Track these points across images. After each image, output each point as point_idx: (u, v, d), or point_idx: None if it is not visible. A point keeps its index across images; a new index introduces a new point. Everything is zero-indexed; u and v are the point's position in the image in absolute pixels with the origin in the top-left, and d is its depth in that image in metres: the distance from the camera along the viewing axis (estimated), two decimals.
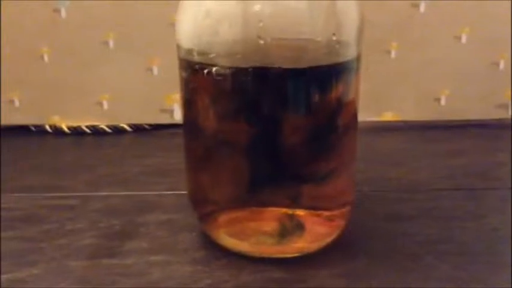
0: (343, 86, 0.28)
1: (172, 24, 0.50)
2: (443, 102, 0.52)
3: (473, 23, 0.50)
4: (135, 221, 0.35)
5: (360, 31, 0.29)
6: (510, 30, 0.50)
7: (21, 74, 0.52)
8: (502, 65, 0.51)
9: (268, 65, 0.26)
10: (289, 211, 0.31)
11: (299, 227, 0.30)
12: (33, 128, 0.53)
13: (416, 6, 0.50)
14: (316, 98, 0.27)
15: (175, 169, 0.43)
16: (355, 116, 0.31)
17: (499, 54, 0.51)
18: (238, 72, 0.27)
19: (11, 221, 0.36)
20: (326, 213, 0.31)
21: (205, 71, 0.27)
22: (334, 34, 0.27)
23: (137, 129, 0.53)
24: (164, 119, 0.53)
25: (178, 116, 0.53)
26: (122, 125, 0.53)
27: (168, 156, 0.47)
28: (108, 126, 0.53)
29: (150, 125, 0.54)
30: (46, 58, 0.51)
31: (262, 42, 0.26)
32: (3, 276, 0.30)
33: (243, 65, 0.27)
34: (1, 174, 0.42)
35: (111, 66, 0.51)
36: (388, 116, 0.53)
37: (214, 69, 0.27)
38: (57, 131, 0.53)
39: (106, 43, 0.51)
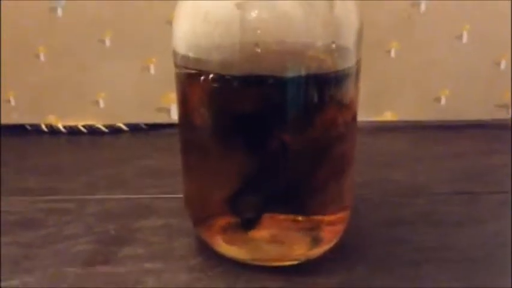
0: (342, 93, 0.28)
1: (170, 23, 0.49)
2: (443, 102, 0.52)
3: (474, 23, 0.50)
4: (131, 226, 0.35)
5: (360, 36, 0.28)
6: (511, 30, 0.49)
7: (17, 73, 0.51)
8: (503, 65, 0.51)
9: (264, 73, 0.26)
10: (288, 217, 0.30)
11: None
12: (29, 127, 0.53)
13: (417, 5, 0.49)
14: (314, 106, 0.27)
15: (171, 171, 0.42)
16: (354, 120, 0.30)
17: (500, 54, 0.51)
18: (234, 80, 0.26)
19: (7, 225, 0.35)
20: (325, 218, 0.31)
21: (202, 78, 0.27)
22: (333, 42, 0.26)
23: (134, 128, 0.53)
24: (161, 118, 0.53)
25: (175, 115, 0.52)
26: (118, 124, 0.53)
27: (165, 157, 0.46)
28: (104, 126, 0.53)
29: (147, 124, 0.53)
30: (42, 57, 0.51)
31: (259, 50, 0.25)
32: None
33: (240, 73, 0.26)
34: None
35: (107, 65, 0.51)
36: (388, 116, 0.53)
37: (210, 76, 0.27)
38: (53, 131, 0.52)
39: (102, 42, 0.50)
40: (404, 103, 0.52)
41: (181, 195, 0.34)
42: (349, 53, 0.27)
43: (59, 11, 0.49)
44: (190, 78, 0.28)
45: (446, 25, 0.50)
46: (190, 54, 0.27)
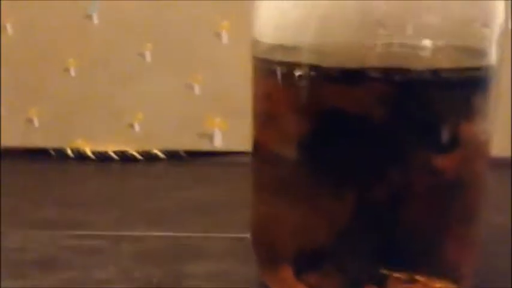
0: (482, 103, 0.21)
1: (218, 35, 0.45)
2: None
3: None
4: (177, 271, 0.28)
5: (503, 33, 0.21)
6: None
7: (43, 89, 0.47)
8: None
9: (389, 66, 0.19)
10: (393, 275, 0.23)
11: None
12: (52, 152, 0.48)
13: None
14: (452, 117, 0.20)
15: (220, 205, 0.37)
16: (488, 151, 0.23)
17: None
18: (344, 75, 0.20)
19: (23, 265, 0.28)
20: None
21: (297, 74, 0.20)
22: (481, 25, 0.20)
23: (171, 156, 0.47)
24: (203, 145, 0.47)
25: (218, 142, 0.47)
26: (154, 151, 0.47)
27: (209, 189, 0.40)
28: (138, 152, 0.47)
29: (186, 151, 0.48)
30: (72, 71, 0.46)
31: (383, 31, 0.19)
32: None
33: (354, 65, 0.19)
34: (13, 206, 0.36)
35: (146, 83, 0.46)
36: None
37: (309, 70, 0.20)
38: (81, 156, 0.47)
39: (142, 55, 0.46)
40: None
41: (238, 235, 0.28)
42: (493, 48, 0.21)
43: (95, 19, 0.45)
44: (279, 76, 0.21)
45: None
46: (281, 43, 0.21)
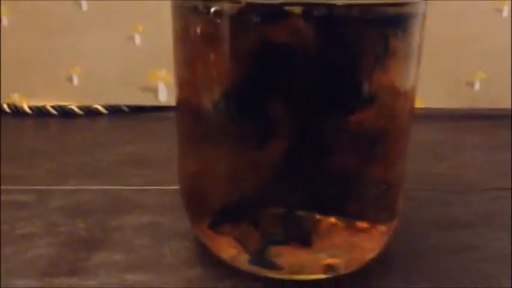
0: (408, 41, 0.21)
1: None
2: (477, 87, 0.45)
3: None
4: (107, 224, 0.27)
5: None
6: None
7: None
8: None
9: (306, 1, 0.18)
10: (319, 217, 0.22)
11: None
12: None
13: None
14: (377, 55, 0.19)
15: (159, 159, 0.36)
16: (414, 99, 0.23)
17: None
18: (261, 11, 0.19)
19: None
20: (368, 224, 0.23)
21: (212, 11, 0.19)
22: None
23: (114, 111, 0.46)
24: (146, 100, 0.46)
25: (163, 97, 0.46)
26: (95, 106, 0.45)
27: (151, 143, 0.39)
28: (78, 107, 0.45)
29: (129, 106, 0.46)
30: (5, 21, 0.44)
31: None
32: None
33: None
34: None
35: (84, 34, 0.44)
36: None
37: (225, 6, 0.19)
38: (17, 112, 0.45)
39: (78, 4, 0.43)
40: (430, 88, 0.45)
41: (172, 187, 0.28)
42: None
43: None
44: (196, 16, 0.20)
45: None
46: None
